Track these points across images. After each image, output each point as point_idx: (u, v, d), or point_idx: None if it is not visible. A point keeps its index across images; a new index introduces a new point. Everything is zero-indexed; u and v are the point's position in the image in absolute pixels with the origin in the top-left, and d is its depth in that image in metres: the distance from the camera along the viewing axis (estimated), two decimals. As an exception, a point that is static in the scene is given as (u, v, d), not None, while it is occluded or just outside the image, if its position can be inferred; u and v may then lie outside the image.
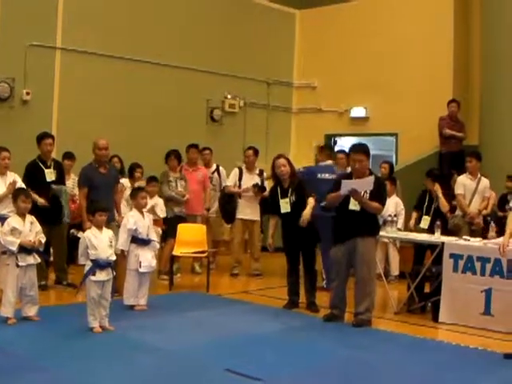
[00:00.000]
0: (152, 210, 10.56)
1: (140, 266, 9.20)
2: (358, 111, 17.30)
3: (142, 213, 9.49)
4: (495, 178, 12.29)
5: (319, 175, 11.25)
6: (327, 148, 12.61)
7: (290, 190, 9.72)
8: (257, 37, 17.32)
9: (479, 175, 11.64)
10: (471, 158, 11.65)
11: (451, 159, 14.10)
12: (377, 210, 8.77)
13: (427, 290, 10.04)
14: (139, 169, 11.72)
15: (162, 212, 11.10)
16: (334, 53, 17.61)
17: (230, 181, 12.76)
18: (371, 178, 8.64)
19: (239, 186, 12.59)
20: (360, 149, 8.89)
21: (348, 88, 17.20)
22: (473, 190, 11.51)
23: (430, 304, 9.73)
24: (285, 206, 9.71)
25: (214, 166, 13.41)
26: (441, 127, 14.56)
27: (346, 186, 8.58)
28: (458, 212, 11.56)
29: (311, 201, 9.59)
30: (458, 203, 11.58)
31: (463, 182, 11.55)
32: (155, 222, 10.30)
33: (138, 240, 9.30)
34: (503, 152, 13.38)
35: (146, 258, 9.29)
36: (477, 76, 15.19)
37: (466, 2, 16.02)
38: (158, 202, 11.04)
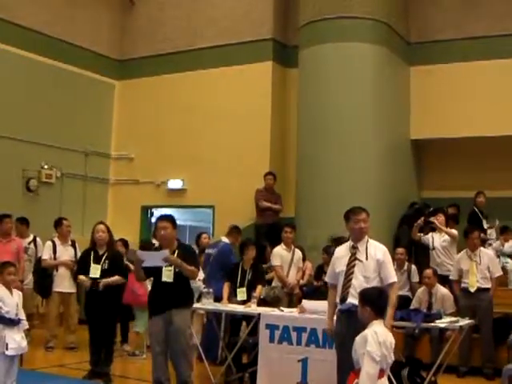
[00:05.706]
0: None
1: (7, 349, 7.95)
2: (174, 183, 17.34)
3: (10, 289, 8.28)
4: (311, 250, 12.62)
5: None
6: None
7: (103, 257, 9.87)
8: (75, 106, 17.14)
9: (293, 247, 11.89)
10: (291, 229, 11.87)
11: (266, 231, 14.35)
12: (193, 274, 8.68)
13: (245, 360, 10.14)
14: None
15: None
16: (151, 124, 17.70)
17: (45, 254, 12.41)
18: (165, 251, 8.57)
19: (54, 259, 12.37)
20: (165, 217, 8.88)
21: (165, 160, 17.33)
22: (289, 261, 11.70)
23: (247, 375, 9.76)
24: (94, 271, 9.81)
25: (30, 237, 13.11)
26: (257, 199, 14.83)
27: (142, 257, 8.56)
28: (275, 283, 11.69)
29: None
30: (276, 274, 11.71)
31: (280, 253, 11.70)
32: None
33: (4, 319, 8.03)
34: (318, 224, 13.64)
35: (14, 340, 8.06)
36: (293, 149, 15.44)
37: (283, 74, 16.60)
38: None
